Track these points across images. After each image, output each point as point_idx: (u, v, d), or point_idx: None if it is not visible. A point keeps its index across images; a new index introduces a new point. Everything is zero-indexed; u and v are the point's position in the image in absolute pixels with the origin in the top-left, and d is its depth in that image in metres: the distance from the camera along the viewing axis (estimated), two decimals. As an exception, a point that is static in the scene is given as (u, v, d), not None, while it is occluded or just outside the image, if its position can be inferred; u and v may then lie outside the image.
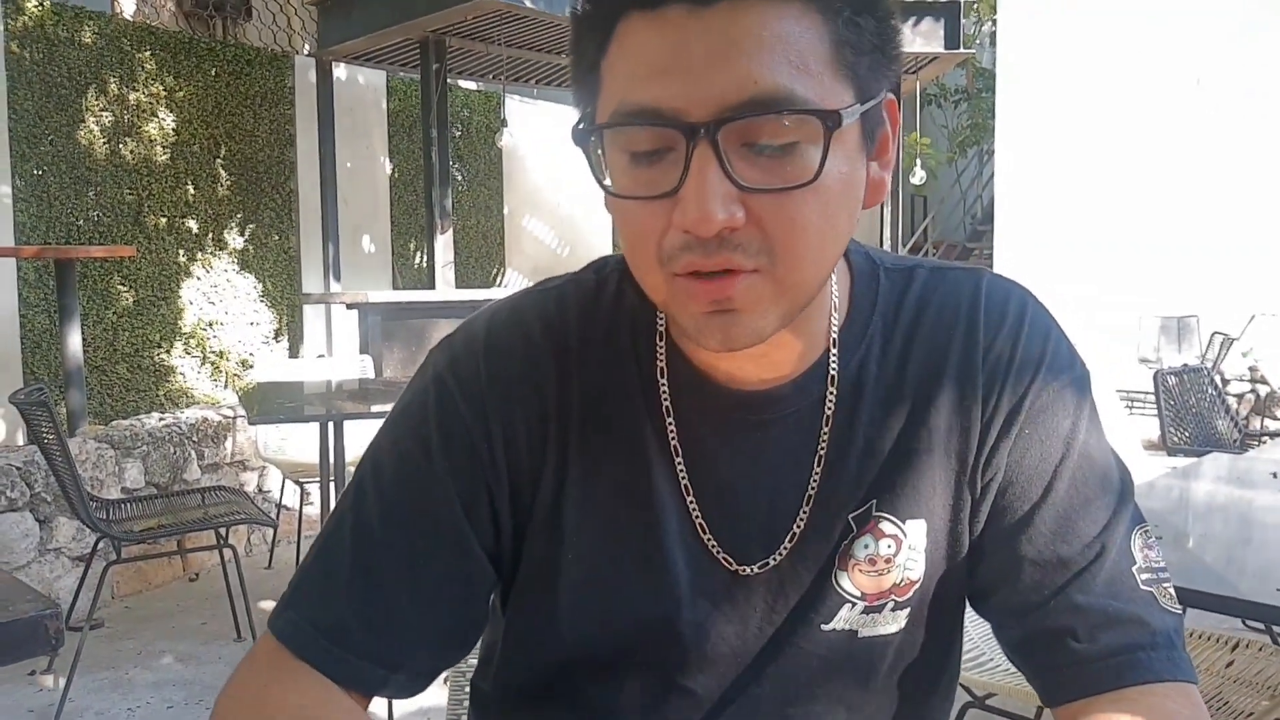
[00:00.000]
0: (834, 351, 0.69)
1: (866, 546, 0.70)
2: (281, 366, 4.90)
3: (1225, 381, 6.85)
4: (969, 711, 2.02)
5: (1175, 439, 3.57)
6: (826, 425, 0.69)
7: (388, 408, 3.48)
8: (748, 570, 0.70)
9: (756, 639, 0.72)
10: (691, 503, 0.69)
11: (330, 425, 3.31)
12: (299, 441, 4.21)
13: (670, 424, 0.69)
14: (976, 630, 1.98)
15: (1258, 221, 7.45)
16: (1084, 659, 0.66)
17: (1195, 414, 3.70)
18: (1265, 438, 4.53)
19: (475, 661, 0.86)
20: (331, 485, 3.38)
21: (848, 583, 0.70)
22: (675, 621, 0.71)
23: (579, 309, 0.72)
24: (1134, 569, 0.68)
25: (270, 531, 4.25)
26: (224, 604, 3.28)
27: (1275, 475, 2.27)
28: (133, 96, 5.68)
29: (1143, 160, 7.92)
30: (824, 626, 0.71)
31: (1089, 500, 0.69)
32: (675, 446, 0.69)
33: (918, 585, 0.71)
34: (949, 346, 0.70)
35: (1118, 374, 6.38)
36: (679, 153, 0.56)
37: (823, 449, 0.69)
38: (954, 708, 0.83)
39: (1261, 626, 2.37)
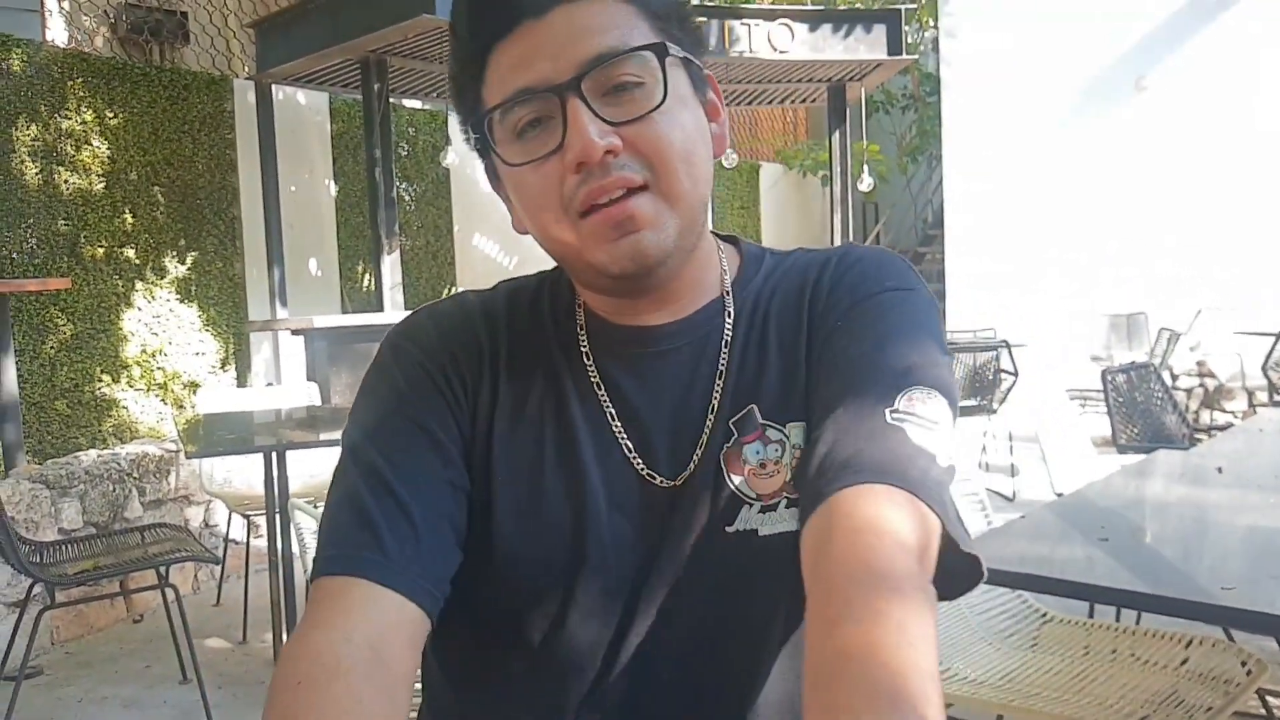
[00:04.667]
0: (729, 295, 0.83)
1: (757, 452, 0.79)
2: (229, 396, 4.78)
3: (1174, 377, 6.95)
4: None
5: (1125, 436, 3.59)
6: (725, 350, 0.81)
7: (336, 435, 3.37)
8: (663, 482, 0.79)
9: (671, 552, 0.78)
10: (619, 429, 0.80)
11: (274, 456, 3.22)
12: (246, 474, 4.09)
13: (590, 366, 0.82)
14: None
15: (1202, 219, 7.59)
16: (808, 477, 0.70)
17: (1144, 410, 3.73)
18: (1214, 431, 4.58)
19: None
20: (278, 518, 3.28)
21: (744, 486, 0.78)
22: (594, 532, 0.78)
23: (508, 291, 0.88)
24: (888, 410, 0.70)
25: (217, 568, 4.13)
26: (169, 645, 3.17)
27: (1220, 470, 2.28)
28: (65, 125, 5.55)
29: (1088, 162, 8.04)
30: (728, 529, 0.78)
31: (881, 366, 0.74)
32: (597, 382, 0.81)
33: None
34: (808, 281, 0.83)
35: (1069, 373, 6.45)
36: (557, 118, 0.71)
37: (720, 369, 0.81)
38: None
39: (1215, 622, 2.37)
